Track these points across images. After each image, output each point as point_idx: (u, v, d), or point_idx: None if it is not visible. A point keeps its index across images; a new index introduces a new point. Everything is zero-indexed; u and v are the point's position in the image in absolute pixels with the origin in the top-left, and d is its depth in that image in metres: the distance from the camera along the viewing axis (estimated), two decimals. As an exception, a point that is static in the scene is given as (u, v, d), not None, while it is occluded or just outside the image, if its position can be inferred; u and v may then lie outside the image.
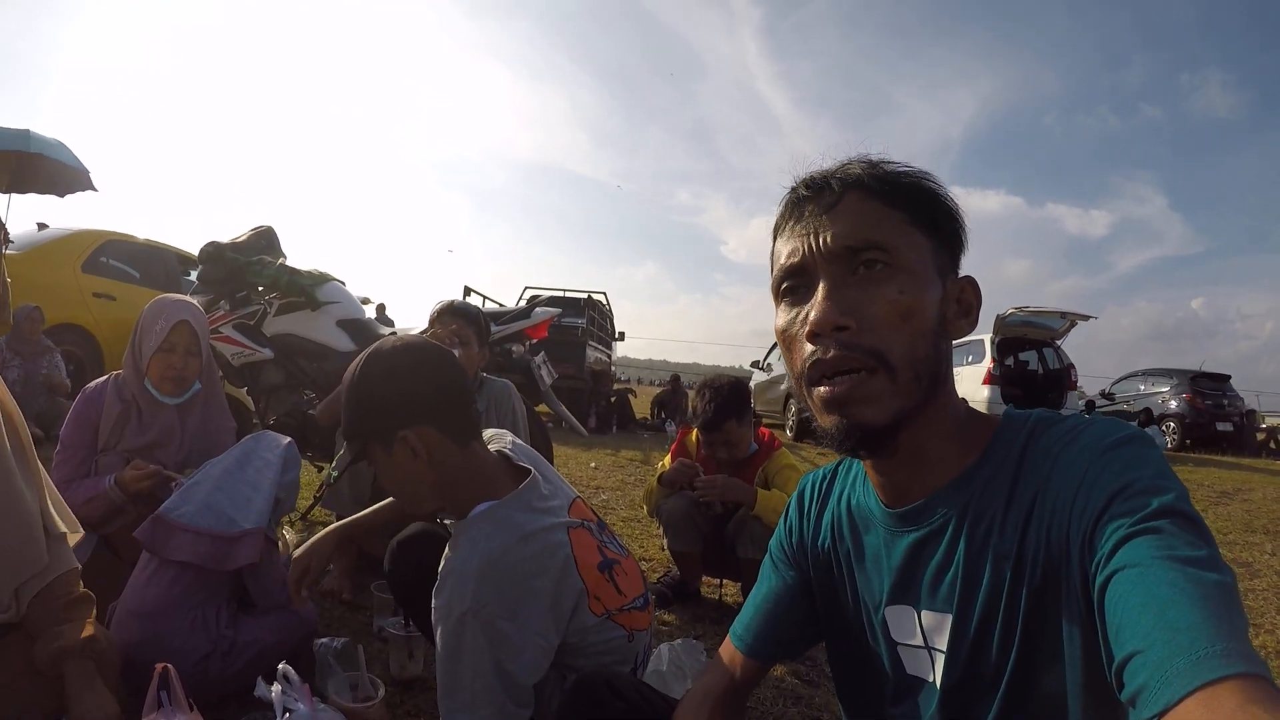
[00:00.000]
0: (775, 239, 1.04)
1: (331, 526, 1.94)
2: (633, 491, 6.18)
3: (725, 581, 3.57)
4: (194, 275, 4.45)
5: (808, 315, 0.94)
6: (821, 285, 0.94)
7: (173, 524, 2.03)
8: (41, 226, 7.23)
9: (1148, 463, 0.82)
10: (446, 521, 1.71)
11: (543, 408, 5.53)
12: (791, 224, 1.00)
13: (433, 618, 1.49)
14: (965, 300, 1.00)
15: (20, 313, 5.74)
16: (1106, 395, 18.40)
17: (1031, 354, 14.94)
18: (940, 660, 1.00)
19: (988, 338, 13.75)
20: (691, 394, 3.59)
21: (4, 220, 4.60)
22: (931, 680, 1.02)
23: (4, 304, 4.59)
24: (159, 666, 1.50)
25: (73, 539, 1.79)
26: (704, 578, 3.43)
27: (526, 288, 15.11)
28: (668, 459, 3.43)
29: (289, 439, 2.44)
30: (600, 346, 14.84)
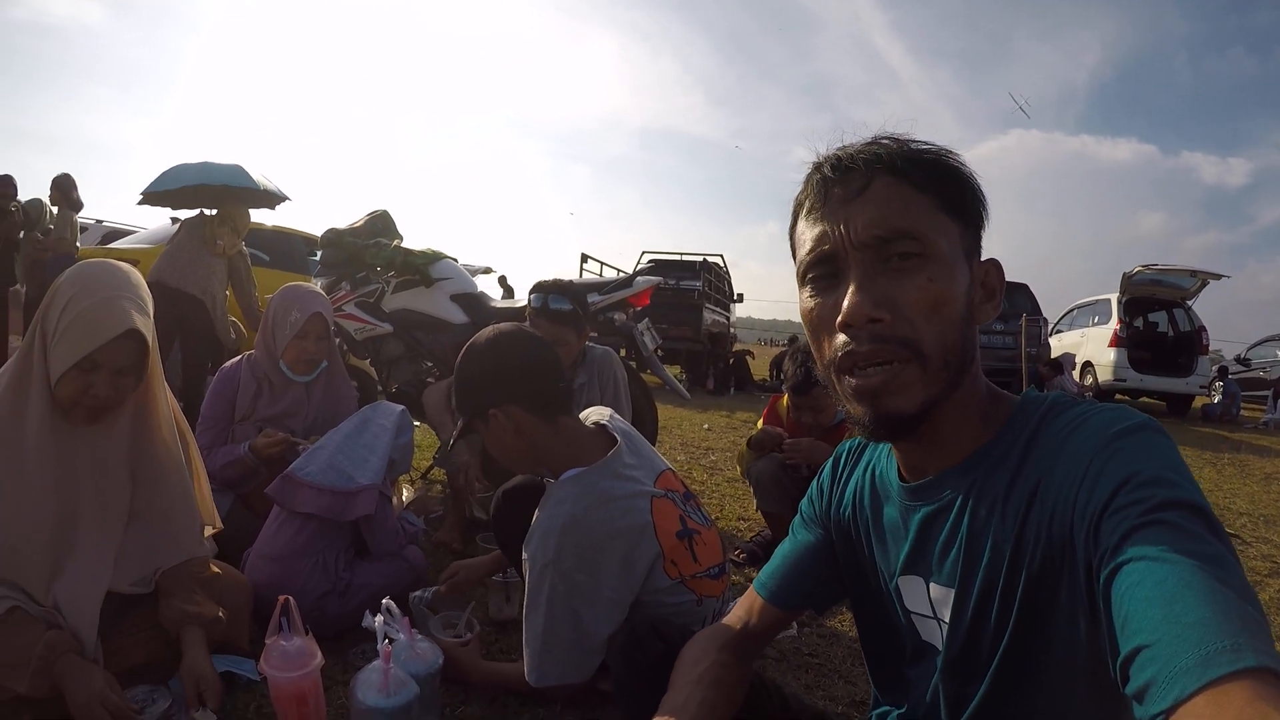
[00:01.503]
0: (797, 219, 1.02)
1: (487, 560, 2.39)
2: (744, 454, 6.23)
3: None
4: (318, 257, 4.78)
5: (839, 304, 0.93)
6: (853, 275, 0.93)
7: (299, 481, 2.31)
8: (175, 220, 7.74)
9: (1155, 453, 0.81)
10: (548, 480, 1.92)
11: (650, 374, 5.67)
12: (819, 207, 0.98)
13: (522, 568, 1.71)
14: (990, 284, 1.00)
15: None
16: (1241, 360, 17.25)
17: (1161, 315, 14.32)
18: (945, 631, 1.03)
19: (1114, 297, 13.24)
20: (785, 358, 3.65)
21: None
22: (939, 648, 1.05)
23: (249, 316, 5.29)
24: (281, 598, 1.72)
25: (209, 530, 2.14)
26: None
27: (644, 253, 15.16)
28: (760, 423, 3.54)
29: (402, 407, 2.68)
30: (717, 309, 14.83)
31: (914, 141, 0.97)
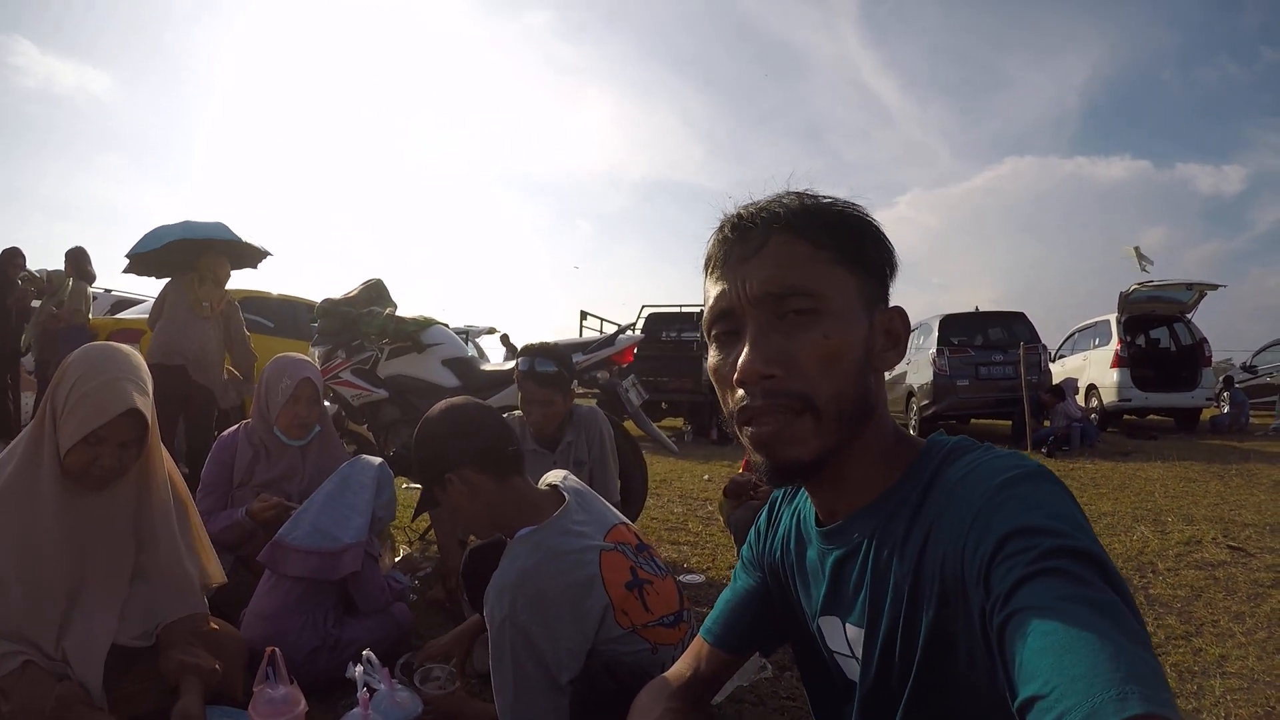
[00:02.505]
0: (705, 276, 1.05)
1: (475, 620, 2.41)
2: (750, 503, 6.25)
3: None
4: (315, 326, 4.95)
5: (737, 360, 0.95)
6: (749, 333, 0.95)
7: (288, 546, 2.46)
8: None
9: (1044, 501, 0.82)
10: None
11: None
12: (720, 265, 1.00)
13: (490, 639, 1.80)
14: (894, 331, 1.01)
15: None
16: (1248, 368, 17.05)
17: (1162, 330, 14.23)
18: (859, 669, 1.04)
19: (1113, 317, 13.19)
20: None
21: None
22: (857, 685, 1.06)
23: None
24: (269, 650, 1.86)
25: (214, 583, 2.33)
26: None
27: (644, 306, 15.23)
28: (741, 469, 3.62)
29: (381, 461, 2.85)
30: (718, 365, 14.82)
31: (815, 196, 1.00)
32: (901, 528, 0.95)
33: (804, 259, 0.95)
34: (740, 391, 0.95)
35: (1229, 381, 15.06)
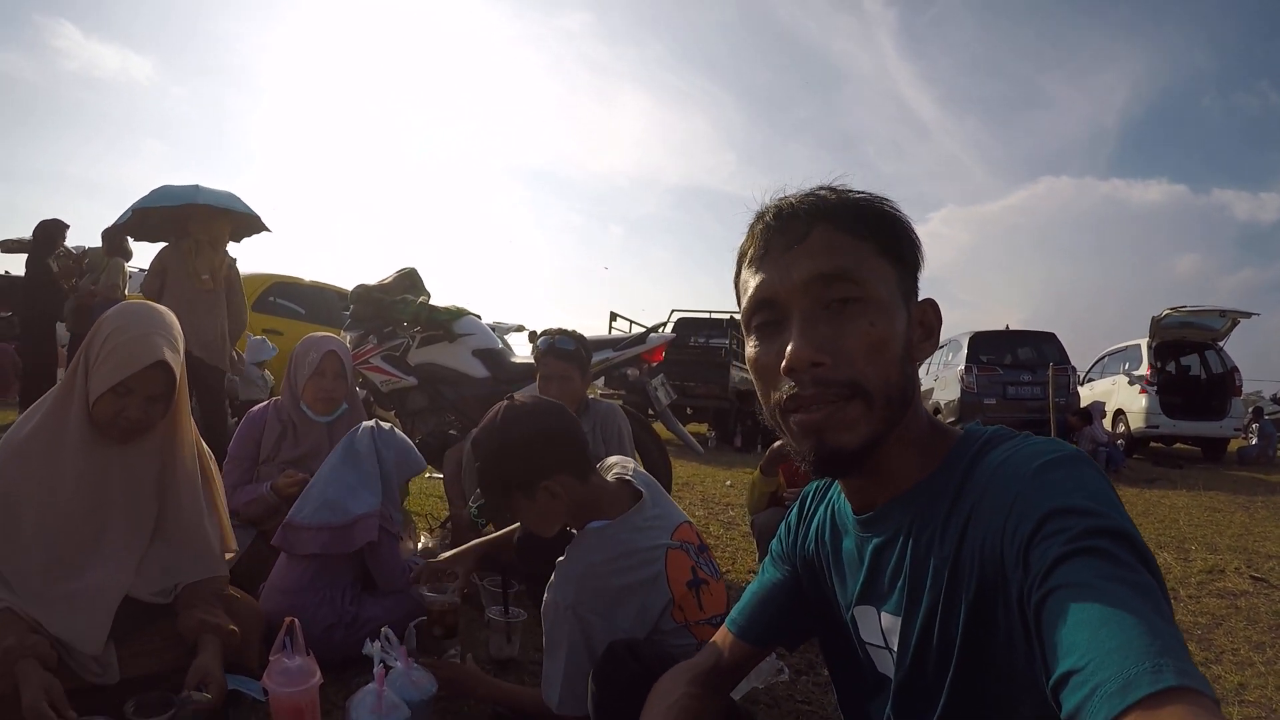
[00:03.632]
0: (741, 267, 1.06)
1: (478, 542, 2.49)
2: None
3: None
4: (348, 312, 4.98)
5: (783, 350, 0.95)
6: (795, 321, 0.96)
7: (298, 526, 2.46)
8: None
9: (1082, 483, 0.83)
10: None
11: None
12: (761, 255, 1.01)
13: (543, 609, 1.83)
14: (928, 323, 1.03)
15: None
16: (1278, 400, 16.96)
17: (1193, 358, 14.09)
18: (894, 659, 1.04)
19: (1144, 342, 13.07)
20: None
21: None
22: (891, 678, 1.06)
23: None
24: (287, 620, 1.87)
25: (227, 555, 2.32)
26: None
27: (673, 311, 15.22)
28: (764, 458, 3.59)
29: (373, 422, 2.79)
30: (744, 367, 14.78)
31: (851, 191, 1.02)
32: (941, 513, 0.96)
33: (848, 249, 0.97)
34: (788, 381, 0.96)
35: (1258, 413, 14.88)
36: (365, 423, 2.77)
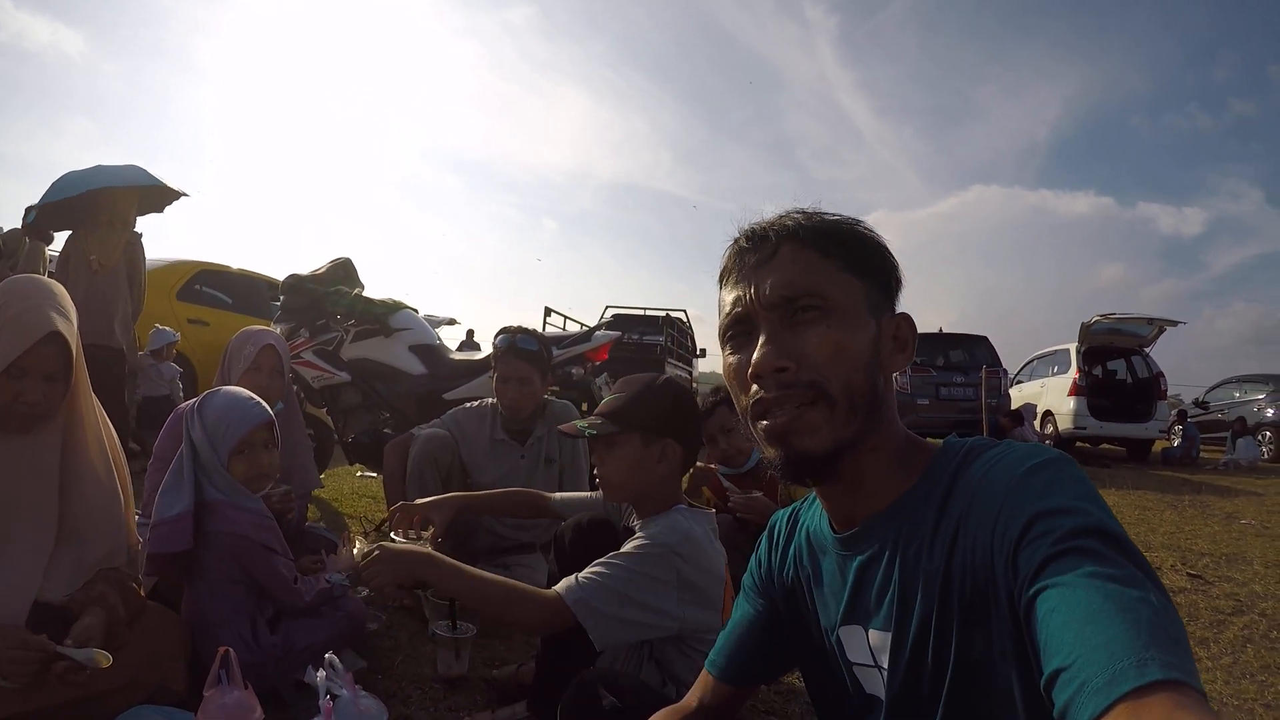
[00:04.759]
0: (721, 287, 1.11)
1: (458, 494, 2.37)
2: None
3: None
4: (279, 303, 4.74)
5: (750, 359, 1.00)
6: (763, 332, 1.00)
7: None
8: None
9: (1067, 484, 0.85)
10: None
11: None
12: (735, 274, 1.07)
13: (626, 547, 1.82)
14: (901, 336, 1.06)
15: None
16: (1199, 404, 17.42)
17: (1120, 363, 14.52)
18: (885, 677, 1.04)
19: (1073, 347, 13.44)
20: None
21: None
22: (882, 698, 1.06)
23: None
24: (221, 650, 1.70)
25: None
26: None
27: (607, 307, 15.21)
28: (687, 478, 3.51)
29: (193, 403, 2.36)
30: (680, 364, 14.87)
31: (821, 213, 1.06)
32: (928, 525, 0.97)
33: (813, 265, 1.01)
34: (755, 386, 1.00)
35: (1182, 415, 15.38)
36: (187, 401, 2.50)
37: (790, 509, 1.30)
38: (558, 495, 2.45)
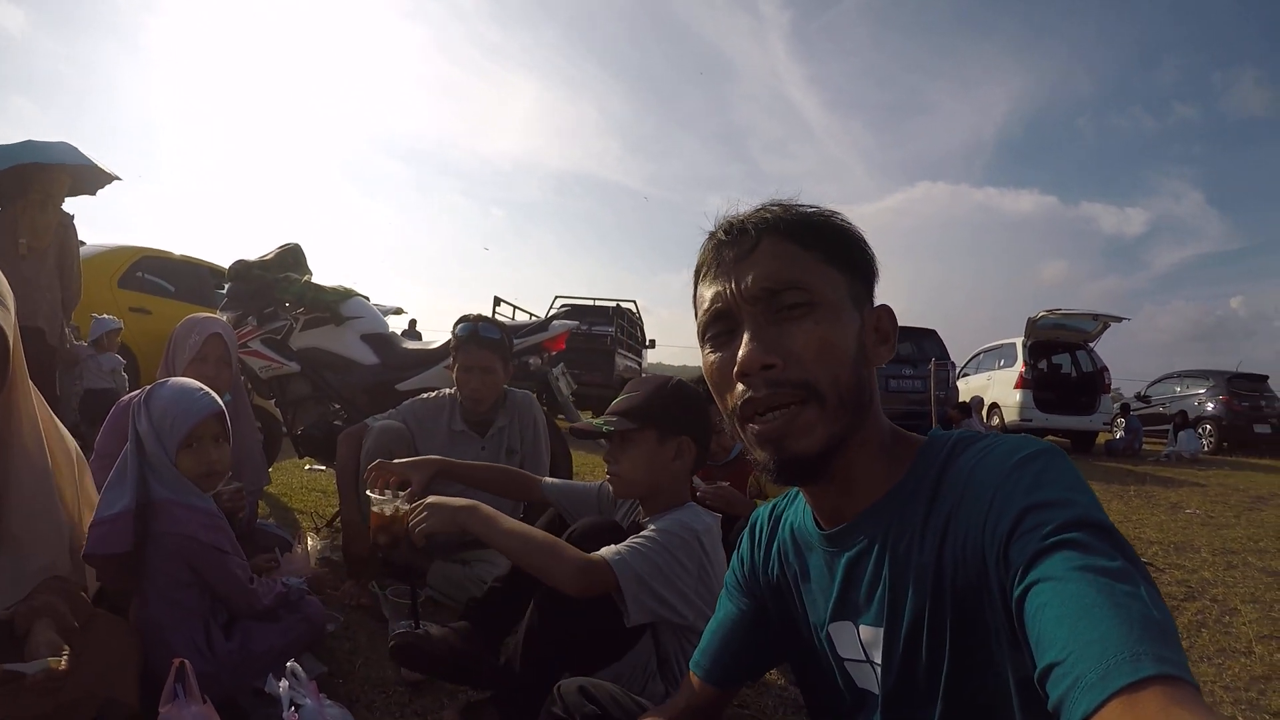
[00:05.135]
0: (697, 283, 1.09)
1: (438, 458, 2.32)
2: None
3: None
4: (224, 290, 4.54)
5: (735, 356, 0.98)
6: (746, 328, 0.99)
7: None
8: (80, 244, 7.38)
9: (1057, 476, 0.85)
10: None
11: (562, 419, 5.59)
12: (714, 269, 1.05)
13: (654, 526, 1.87)
14: (883, 328, 1.06)
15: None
16: (1141, 398, 18.01)
17: (1065, 357, 14.85)
18: (879, 673, 1.04)
19: (1019, 341, 13.70)
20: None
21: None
22: (876, 692, 1.06)
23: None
24: (176, 662, 1.59)
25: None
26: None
27: (557, 297, 15.19)
28: None
29: (137, 396, 2.24)
30: (629, 354, 14.85)
31: (799, 205, 1.05)
32: (918, 518, 0.96)
33: (795, 257, 1.00)
34: (741, 386, 0.99)
35: (1125, 408, 15.90)
36: (130, 394, 2.36)
37: (770, 504, 1.30)
38: (549, 480, 2.43)
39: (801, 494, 1.17)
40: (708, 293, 1.05)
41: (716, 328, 1.04)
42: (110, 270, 7.22)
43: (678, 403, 1.99)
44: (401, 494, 2.09)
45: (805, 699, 1.28)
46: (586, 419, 5.60)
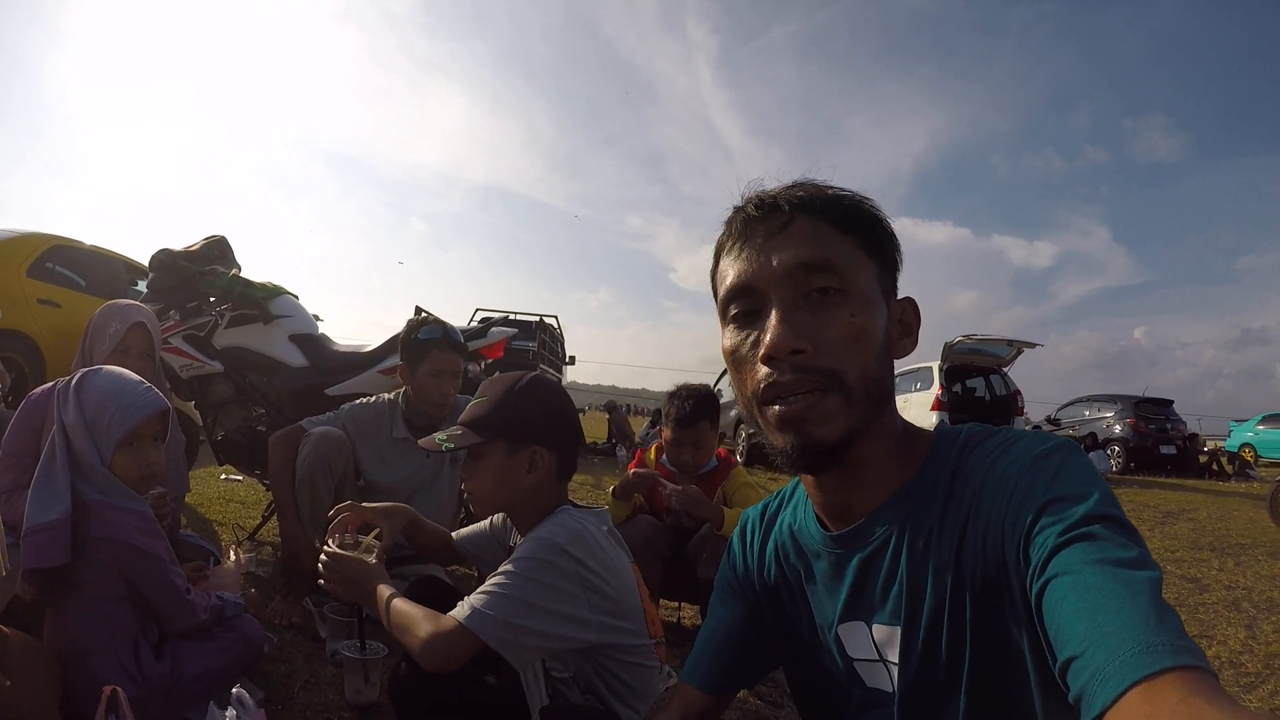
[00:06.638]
0: (720, 258, 1.06)
1: (410, 510, 2.04)
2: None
3: (683, 605, 3.55)
4: (143, 284, 4.26)
5: (760, 338, 0.96)
6: (775, 308, 0.96)
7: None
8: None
9: (1076, 471, 0.85)
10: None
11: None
12: (740, 244, 1.01)
13: (513, 555, 1.66)
14: (906, 321, 1.05)
15: None
16: (1052, 421, 18.82)
17: (979, 381, 15.19)
18: (895, 671, 1.02)
19: (936, 365, 13.96)
20: (666, 402, 3.59)
21: None
22: (890, 691, 1.04)
23: None
24: (107, 690, 1.43)
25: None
26: (661, 600, 3.39)
27: (477, 309, 15.10)
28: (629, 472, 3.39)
29: (65, 396, 2.01)
30: (550, 370, 14.77)
31: (833, 186, 1.02)
32: (935, 514, 0.96)
33: (830, 239, 0.98)
34: (765, 369, 0.95)
35: (1037, 430, 16.34)
36: (44, 387, 2.15)
37: (761, 505, 1.27)
38: (459, 533, 2.13)
39: (802, 492, 1.16)
40: (731, 269, 1.01)
41: (740, 305, 1.01)
42: (19, 258, 6.79)
43: (528, 407, 1.78)
44: (364, 539, 1.87)
45: (798, 702, 1.26)
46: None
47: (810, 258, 0.96)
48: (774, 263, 0.96)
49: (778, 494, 1.25)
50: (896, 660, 1.01)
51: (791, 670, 1.24)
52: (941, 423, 1.08)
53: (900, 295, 1.05)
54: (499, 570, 1.63)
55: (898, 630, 1.00)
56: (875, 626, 1.04)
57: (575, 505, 1.84)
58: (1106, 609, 0.68)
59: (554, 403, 1.82)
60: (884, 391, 0.99)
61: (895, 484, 1.01)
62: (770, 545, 1.21)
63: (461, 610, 1.57)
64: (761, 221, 1.00)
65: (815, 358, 0.93)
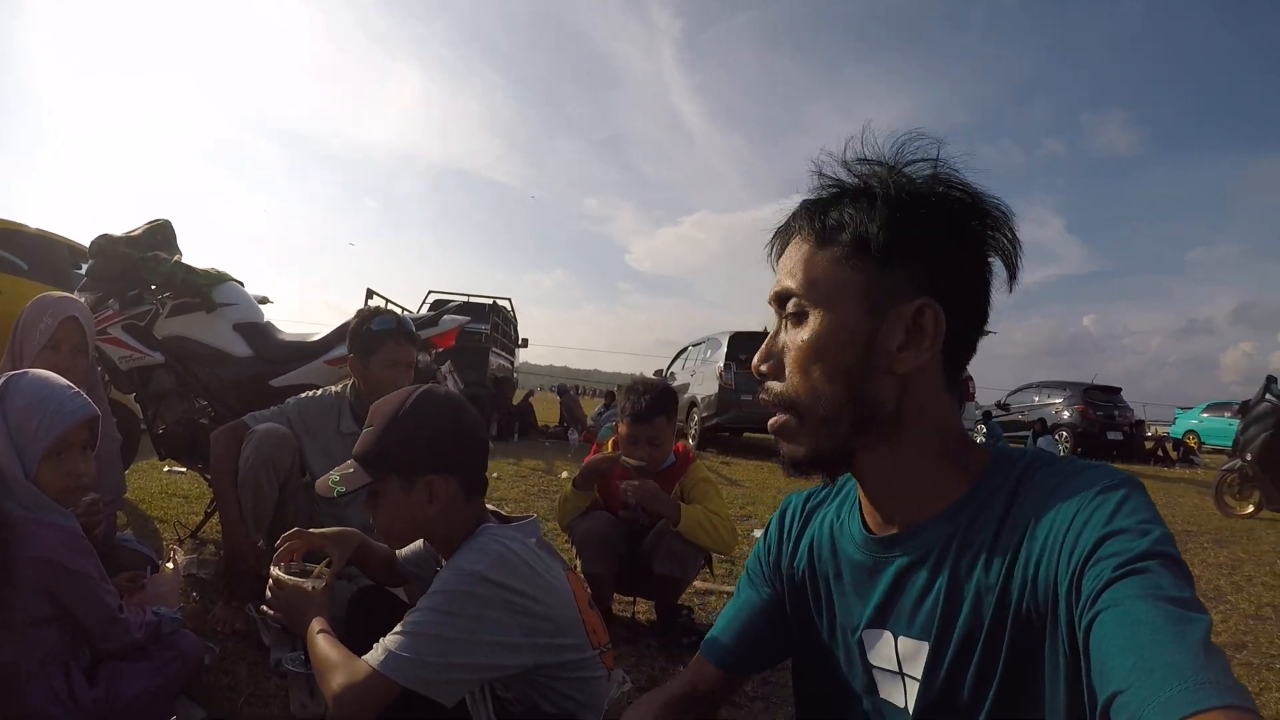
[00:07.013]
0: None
1: (358, 533, 1.94)
2: (537, 503, 6.04)
3: (638, 600, 3.51)
4: (83, 269, 4.09)
5: None
6: (771, 328, 1.04)
7: None
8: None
9: (1138, 508, 0.83)
10: None
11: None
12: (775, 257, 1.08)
13: (430, 590, 1.55)
14: (920, 327, 0.95)
15: None
16: (1002, 406, 19.31)
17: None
18: (914, 688, 1.00)
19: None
20: (618, 394, 3.53)
21: None
22: (904, 706, 1.03)
23: None
24: None
25: None
26: (616, 595, 3.36)
27: (430, 291, 14.96)
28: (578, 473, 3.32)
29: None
30: (503, 353, 14.68)
31: (841, 182, 0.99)
32: (987, 536, 0.93)
33: (803, 263, 0.98)
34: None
35: (987, 415, 17.09)
36: None
37: (805, 494, 1.26)
38: (402, 554, 2.01)
39: (852, 489, 1.14)
40: None
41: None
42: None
43: (413, 434, 1.65)
44: (314, 567, 1.78)
45: (800, 700, 1.24)
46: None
47: (780, 289, 1.00)
48: (771, 289, 1.03)
49: (822, 484, 1.22)
50: (918, 676, 1.00)
51: (801, 666, 1.24)
52: (1001, 442, 1.05)
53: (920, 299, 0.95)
54: (417, 606, 1.55)
55: (925, 646, 0.98)
56: (902, 639, 1.02)
57: (500, 517, 1.76)
58: (1155, 645, 0.67)
59: (442, 422, 1.68)
60: (859, 414, 0.96)
61: (945, 498, 0.99)
62: (806, 537, 1.20)
63: (375, 654, 1.48)
64: (775, 238, 1.06)
65: (772, 379, 1.00)
